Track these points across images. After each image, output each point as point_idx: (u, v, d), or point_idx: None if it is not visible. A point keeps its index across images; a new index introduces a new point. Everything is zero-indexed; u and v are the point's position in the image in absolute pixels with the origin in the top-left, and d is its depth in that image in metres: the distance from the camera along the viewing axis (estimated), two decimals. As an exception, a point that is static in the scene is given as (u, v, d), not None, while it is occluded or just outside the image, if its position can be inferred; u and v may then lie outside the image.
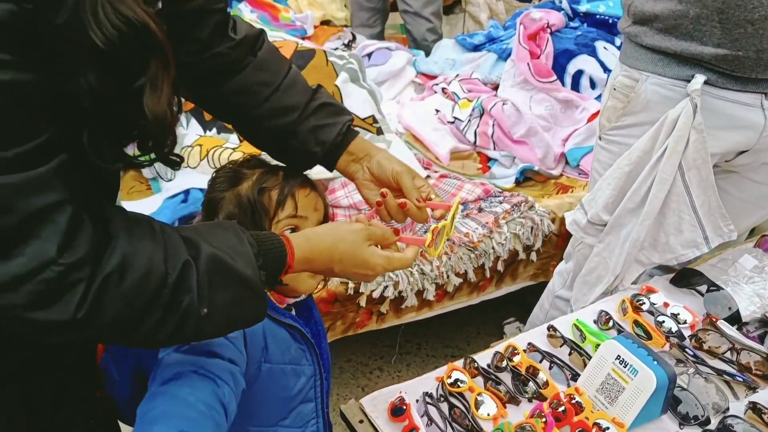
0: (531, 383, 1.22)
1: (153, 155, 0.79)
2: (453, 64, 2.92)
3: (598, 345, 1.23)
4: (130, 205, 1.94)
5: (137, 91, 0.68)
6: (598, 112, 1.97)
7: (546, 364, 1.29)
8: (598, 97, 2.50)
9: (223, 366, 0.85)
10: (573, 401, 1.14)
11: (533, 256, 2.10)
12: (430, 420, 1.15)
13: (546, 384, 1.22)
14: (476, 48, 2.93)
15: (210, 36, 0.99)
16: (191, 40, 0.97)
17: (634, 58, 1.47)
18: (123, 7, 0.63)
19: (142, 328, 0.71)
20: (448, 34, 3.86)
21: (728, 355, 1.30)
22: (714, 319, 1.35)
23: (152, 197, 2.02)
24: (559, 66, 2.55)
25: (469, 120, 2.48)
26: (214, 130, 2.21)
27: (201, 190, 1.88)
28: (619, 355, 1.13)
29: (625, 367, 1.12)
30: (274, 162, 1.09)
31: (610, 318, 1.41)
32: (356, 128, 1.12)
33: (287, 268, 0.84)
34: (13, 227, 0.62)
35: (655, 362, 1.10)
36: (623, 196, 1.52)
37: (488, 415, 1.15)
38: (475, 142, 2.47)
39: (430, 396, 1.20)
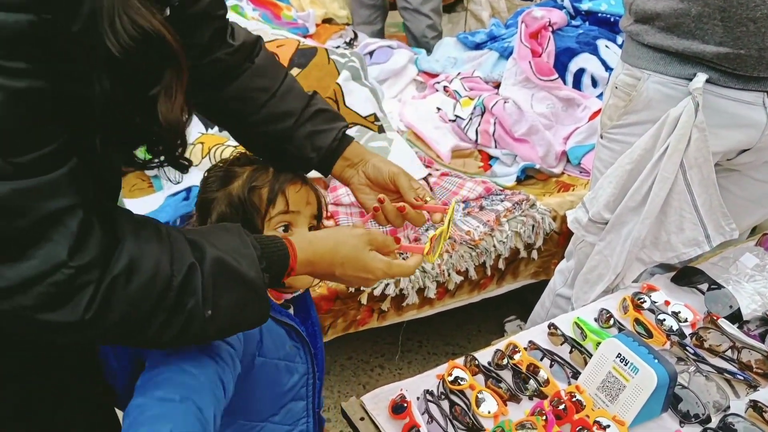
0: (532, 381, 1.23)
1: (163, 159, 0.80)
2: (454, 62, 2.92)
3: (599, 343, 1.23)
4: (131, 203, 1.95)
5: (151, 99, 0.69)
6: (599, 110, 1.98)
7: (547, 362, 1.29)
8: (600, 96, 2.50)
9: (224, 347, 0.85)
10: (574, 399, 1.14)
11: (534, 254, 2.10)
12: (431, 417, 1.15)
13: (547, 382, 1.22)
14: (478, 46, 2.93)
15: (209, 41, 1.01)
16: (191, 45, 0.98)
17: (635, 56, 1.47)
18: (139, 18, 0.65)
19: (148, 329, 0.72)
20: (449, 33, 3.86)
21: (729, 353, 1.30)
22: (715, 318, 1.35)
23: (154, 195, 2.03)
24: (561, 64, 2.55)
25: (471, 118, 2.48)
26: (216, 128, 2.22)
27: (203, 188, 1.88)
28: (619, 353, 1.14)
29: (625, 366, 1.12)
30: None
31: (611, 316, 1.41)
32: (357, 125, 1.13)
33: (290, 270, 0.85)
34: (25, 230, 0.63)
35: (656, 360, 1.10)
36: (624, 194, 1.52)
37: (489, 412, 1.16)
38: (476, 141, 2.47)
39: (431, 393, 1.20)
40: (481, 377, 1.25)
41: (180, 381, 0.77)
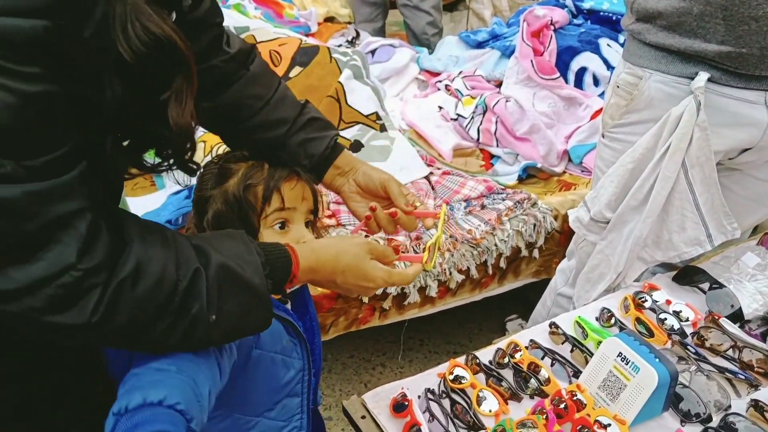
0: (533, 380, 1.23)
1: (172, 162, 0.81)
2: (456, 61, 2.92)
3: (600, 342, 1.23)
4: (134, 202, 1.95)
5: (162, 104, 0.70)
6: (601, 109, 1.97)
7: (548, 360, 1.29)
8: (602, 95, 2.50)
9: None
10: (574, 398, 1.14)
11: (536, 253, 2.10)
12: (432, 416, 1.15)
13: (548, 381, 1.23)
14: (480, 45, 2.93)
15: (206, 48, 1.01)
16: None
17: (637, 55, 1.47)
18: (151, 24, 0.66)
19: (153, 332, 0.72)
20: (451, 31, 3.86)
21: (730, 352, 1.30)
22: (716, 317, 1.35)
23: (156, 193, 2.03)
24: (563, 63, 2.55)
25: (472, 117, 2.48)
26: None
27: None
28: (620, 353, 1.14)
29: (626, 365, 1.12)
30: None
31: (612, 315, 1.41)
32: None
33: (292, 277, 0.86)
34: (35, 233, 0.63)
35: (657, 359, 1.10)
36: (626, 193, 1.51)
37: (490, 411, 1.16)
38: (478, 139, 2.47)
39: (432, 392, 1.20)
40: (482, 376, 1.25)
41: (178, 356, 0.77)
